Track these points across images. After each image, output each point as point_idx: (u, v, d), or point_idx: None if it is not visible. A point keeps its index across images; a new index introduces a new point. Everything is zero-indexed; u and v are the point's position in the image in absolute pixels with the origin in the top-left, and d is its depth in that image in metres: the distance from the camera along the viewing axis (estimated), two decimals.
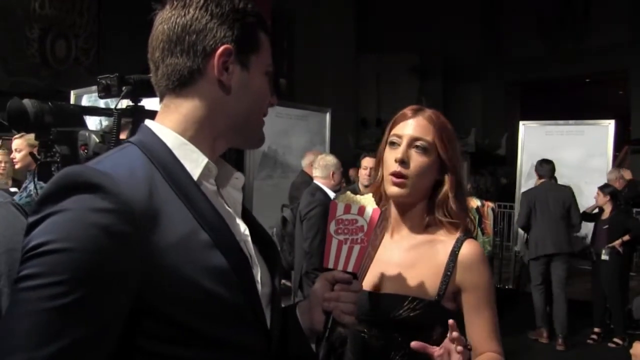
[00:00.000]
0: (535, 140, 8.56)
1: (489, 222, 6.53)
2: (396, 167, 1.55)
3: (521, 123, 8.89)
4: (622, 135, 13.33)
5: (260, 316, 1.07)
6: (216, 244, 0.99)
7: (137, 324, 0.92)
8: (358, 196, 1.30)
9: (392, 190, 1.57)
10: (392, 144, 1.60)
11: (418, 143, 1.56)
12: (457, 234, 1.58)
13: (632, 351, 2.73)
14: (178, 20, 1.04)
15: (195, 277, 0.95)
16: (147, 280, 0.91)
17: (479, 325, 1.55)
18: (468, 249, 1.56)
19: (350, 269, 1.22)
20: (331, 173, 4.73)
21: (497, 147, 16.51)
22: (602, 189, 6.49)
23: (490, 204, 6.67)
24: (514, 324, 6.90)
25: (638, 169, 11.86)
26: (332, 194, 4.59)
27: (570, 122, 8.63)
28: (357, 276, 1.23)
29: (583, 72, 18.37)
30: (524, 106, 20.14)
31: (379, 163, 1.65)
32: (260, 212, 5.48)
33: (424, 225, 1.63)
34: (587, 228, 7.33)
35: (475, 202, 6.55)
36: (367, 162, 5.17)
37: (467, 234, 1.60)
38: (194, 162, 1.04)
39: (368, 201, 1.28)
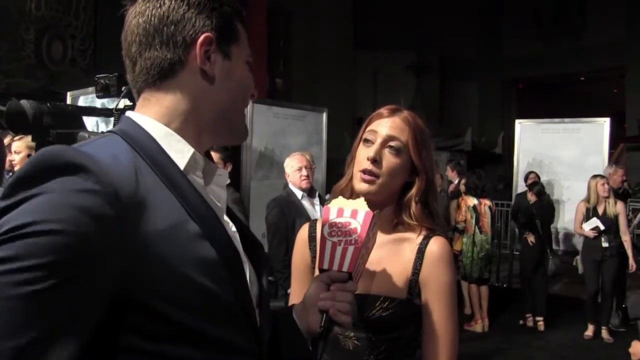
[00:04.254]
0: (531, 138, 8.59)
1: (486, 220, 6.56)
2: (367, 165, 1.54)
3: (517, 121, 8.93)
4: (618, 133, 13.37)
5: (251, 315, 1.02)
6: (206, 235, 0.95)
7: (120, 319, 0.86)
8: (350, 200, 1.30)
9: (361, 186, 1.55)
10: (366, 141, 1.59)
11: (392, 143, 1.56)
12: (425, 233, 1.58)
13: (631, 350, 2.75)
14: (154, 12, 1.00)
15: (184, 268, 0.90)
16: (131, 269, 0.85)
17: (431, 329, 1.54)
18: (435, 245, 1.56)
19: (345, 269, 1.22)
20: (285, 174, 4.56)
21: (493, 145, 16.53)
22: (530, 187, 7.14)
23: (487, 202, 6.69)
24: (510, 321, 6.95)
25: (634, 167, 11.91)
26: (299, 193, 4.42)
27: (566, 120, 8.67)
28: (352, 276, 1.23)
29: (579, 70, 18.42)
30: (520, 104, 20.18)
31: (352, 160, 1.63)
32: (257, 212, 5.48)
33: (394, 225, 1.62)
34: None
35: (472, 201, 6.57)
36: None
37: (435, 233, 1.59)
38: (180, 152, 1.01)
39: (360, 205, 1.28)
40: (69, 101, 4.93)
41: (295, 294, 1.71)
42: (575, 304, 7.53)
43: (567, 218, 8.19)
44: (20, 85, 9.08)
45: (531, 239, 6.86)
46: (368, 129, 1.61)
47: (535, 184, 7.22)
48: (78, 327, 0.81)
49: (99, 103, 4.10)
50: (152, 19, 1.00)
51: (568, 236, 8.29)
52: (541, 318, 6.80)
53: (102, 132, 1.37)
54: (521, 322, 6.94)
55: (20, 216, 0.80)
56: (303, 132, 6.66)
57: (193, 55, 1.01)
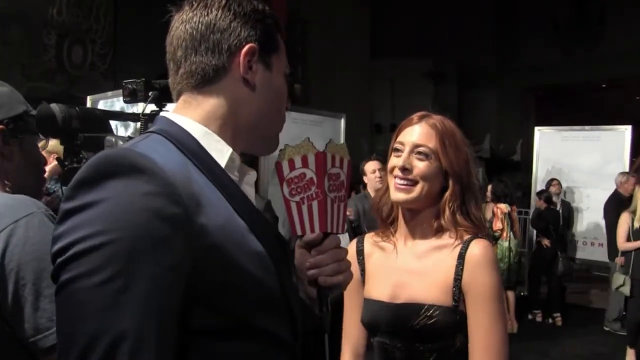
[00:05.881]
0: (550, 146, 8.50)
1: (517, 226, 6.78)
2: (399, 174, 1.56)
3: (536, 129, 8.85)
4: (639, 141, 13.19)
5: (293, 308, 1.04)
6: (252, 230, 0.98)
7: (187, 316, 0.88)
8: (297, 145, 1.15)
9: (397, 195, 1.57)
10: (396, 150, 1.61)
11: (420, 149, 1.56)
12: (464, 237, 1.56)
13: None
14: (201, 19, 1.04)
15: (241, 260, 0.93)
16: (197, 265, 0.88)
17: (477, 337, 1.51)
18: (476, 248, 1.53)
19: (317, 229, 1.12)
20: None
21: (512, 152, 16.41)
22: (539, 194, 7.56)
23: (515, 209, 7.02)
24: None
25: None
26: None
27: (587, 127, 8.55)
28: (327, 233, 1.13)
29: (599, 77, 18.19)
30: (539, 112, 19.98)
31: (387, 171, 1.65)
32: None
33: (434, 231, 1.61)
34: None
35: (506, 208, 6.66)
36: (372, 165, 5.00)
37: (476, 237, 1.56)
38: (219, 151, 1.03)
39: (308, 149, 1.14)
40: (88, 105, 4.97)
41: (348, 311, 1.73)
42: (593, 313, 7.46)
43: (585, 226, 8.10)
44: (41, 89, 9.19)
45: (545, 242, 7.28)
46: (398, 138, 1.62)
47: (542, 191, 7.55)
48: (172, 324, 0.85)
49: (117, 107, 4.12)
50: (199, 25, 1.03)
51: (585, 244, 8.16)
52: (558, 314, 7.17)
53: (129, 136, 1.39)
54: (530, 317, 7.34)
55: (88, 225, 0.83)
56: (320, 138, 6.65)
57: (236, 63, 1.04)
